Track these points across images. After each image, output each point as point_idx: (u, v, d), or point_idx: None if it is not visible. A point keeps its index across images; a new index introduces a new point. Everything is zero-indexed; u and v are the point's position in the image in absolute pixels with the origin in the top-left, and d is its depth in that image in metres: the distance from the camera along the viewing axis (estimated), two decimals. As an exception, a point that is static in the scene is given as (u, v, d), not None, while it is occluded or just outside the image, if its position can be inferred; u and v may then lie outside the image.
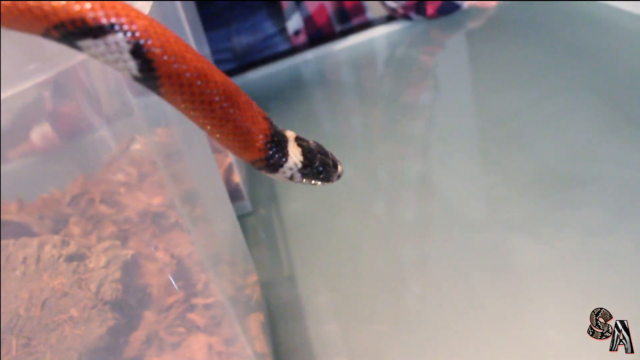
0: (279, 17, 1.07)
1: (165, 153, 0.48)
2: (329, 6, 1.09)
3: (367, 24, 1.12)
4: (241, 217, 0.69)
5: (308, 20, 1.07)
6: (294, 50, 1.08)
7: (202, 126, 0.23)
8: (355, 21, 1.13)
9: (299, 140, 0.27)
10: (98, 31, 0.19)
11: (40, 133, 0.59)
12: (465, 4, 1.02)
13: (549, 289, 0.49)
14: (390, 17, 1.10)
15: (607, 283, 0.47)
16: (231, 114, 0.22)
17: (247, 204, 0.71)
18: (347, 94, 0.98)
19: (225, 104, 0.21)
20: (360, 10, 1.12)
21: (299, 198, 0.71)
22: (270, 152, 0.25)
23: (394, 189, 0.69)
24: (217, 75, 0.21)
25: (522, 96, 0.76)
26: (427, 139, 0.79)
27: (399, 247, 0.59)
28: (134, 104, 0.40)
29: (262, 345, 0.48)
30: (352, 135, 0.85)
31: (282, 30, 1.08)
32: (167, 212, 0.53)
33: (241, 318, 0.48)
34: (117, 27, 0.19)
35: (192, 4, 0.80)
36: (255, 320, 0.50)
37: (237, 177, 0.71)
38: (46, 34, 0.19)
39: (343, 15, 1.12)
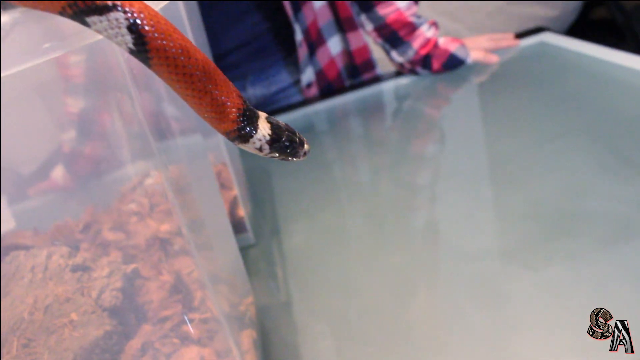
0: (295, 70, 1.13)
1: (176, 186, 0.52)
2: (340, 61, 1.15)
3: (377, 79, 1.17)
4: (243, 249, 0.72)
5: (319, 74, 1.13)
6: (305, 102, 1.13)
7: (184, 97, 0.26)
8: (365, 76, 1.18)
9: (269, 118, 0.31)
10: (103, 9, 0.24)
11: (60, 172, 0.64)
12: (470, 59, 1.07)
13: (540, 315, 0.50)
14: (398, 73, 1.15)
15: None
16: (209, 87, 0.26)
17: (250, 236, 0.73)
18: (356, 143, 1.02)
19: (204, 78, 0.26)
20: (370, 66, 1.18)
21: (301, 232, 0.74)
22: (242, 124, 0.29)
23: (397, 228, 0.71)
24: (199, 54, 0.26)
25: (520, 141, 0.79)
26: (432, 182, 0.82)
27: (393, 276, 0.61)
28: (154, 147, 0.44)
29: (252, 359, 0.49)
30: (360, 180, 0.88)
31: (296, 82, 1.14)
32: (173, 239, 0.55)
33: (234, 333, 0.50)
34: (118, 7, 0.24)
35: (210, 56, 0.86)
36: (248, 337, 0.51)
37: (242, 211, 0.74)
38: (62, 11, 0.23)
39: (353, 71, 1.18)
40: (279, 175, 0.90)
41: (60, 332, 0.45)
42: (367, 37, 1.15)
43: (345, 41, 1.14)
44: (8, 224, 0.59)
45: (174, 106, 0.53)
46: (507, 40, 1.12)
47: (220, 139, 0.71)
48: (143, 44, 0.24)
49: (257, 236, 0.74)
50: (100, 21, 0.24)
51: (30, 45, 0.23)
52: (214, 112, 0.27)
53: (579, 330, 0.45)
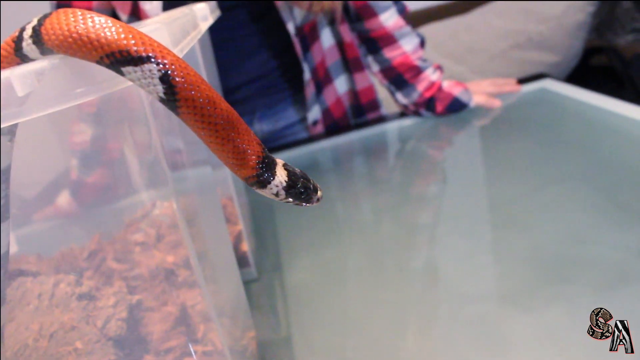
0: (301, 107, 1.15)
1: (184, 218, 0.53)
2: (346, 100, 1.17)
3: (381, 119, 1.20)
4: (246, 283, 0.72)
5: (326, 112, 1.16)
6: (311, 139, 1.16)
7: (208, 144, 0.28)
8: (370, 116, 1.21)
9: (286, 166, 0.33)
10: (138, 60, 0.25)
11: (66, 198, 0.65)
12: (473, 103, 1.10)
13: (538, 359, 0.50)
14: (402, 114, 1.18)
15: (594, 355, 0.48)
16: (232, 135, 0.28)
17: (253, 271, 0.74)
18: (359, 182, 1.04)
19: (227, 127, 0.27)
20: (375, 106, 1.20)
21: (304, 269, 0.74)
22: (261, 171, 0.31)
23: (398, 268, 0.72)
24: (224, 104, 0.27)
25: (520, 186, 0.81)
26: (433, 223, 0.83)
27: (393, 315, 0.61)
28: (169, 176, 0.46)
29: (253, 394, 0.50)
30: (362, 219, 0.89)
31: (303, 119, 1.16)
32: (177, 270, 0.56)
33: (235, 366, 0.50)
34: (152, 59, 0.26)
35: (220, 91, 0.88)
36: (249, 371, 0.52)
37: (246, 246, 0.75)
38: (99, 61, 0.25)
39: (358, 110, 1.20)
40: (282, 211, 0.91)
41: (64, 360, 0.46)
42: (372, 78, 1.18)
43: (352, 81, 1.17)
44: (10, 248, 0.60)
45: (185, 138, 0.54)
46: (509, 85, 1.15)
47: (228, 173, 0.73)
48: (173, 94, 0.26)
49: (259, 271, 0.75)
50: (135, 71, 0.26)
51: (64, 89, 0.25)
52: (235, 159, 0.29)
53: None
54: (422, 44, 1.11)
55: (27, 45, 0.26)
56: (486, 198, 0.83)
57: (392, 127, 1.16)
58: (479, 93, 1.11)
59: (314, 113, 1.14)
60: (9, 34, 0.29)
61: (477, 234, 0.73)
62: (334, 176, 1.07)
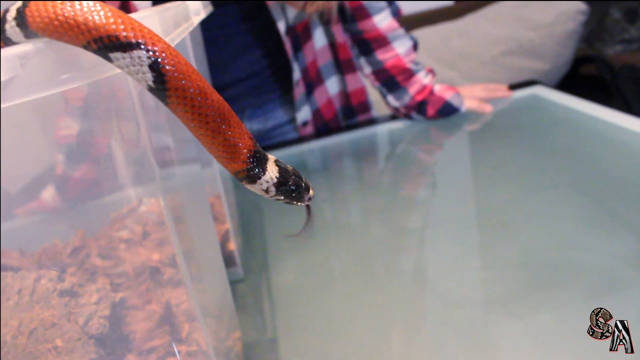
0: (291, 107, 1.14)
1: (172, 215, 0.52)
2: (337, 102, 1.17)
3: (372, 121, 1.19)
4: (233, 283, 0.71)
5: (316, 113, 1.15)
6: (301, 139, 1.15)
7: (197, 136, 0.27)
8: (361, 118, 1.20)
9: (278, 162, 0.32)
10: (127, 46, 0.24)
11: (51, 193, 0.64)
12: (464, 108, 1.10)
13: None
14: (393, 117, 1.17)
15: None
16: (222, 128, 0.27)
17: (239, 270, 0.73)
18: (348, 184, 1.03)
19: (218, 119, 0.26)
20: (366, 108, 1.20)
21: (290, 270, 0.74)
22: (251, 165, 0.30)
23: (385, 272, 0.71)
24: (215, 95, 0.26)
25: (510, 191, 0.81)
26: (422, 227, 0.83)
27: (378, 318, 0.61)
28: (157, 173, 0.45)
29: (237, 396, 0.49)
30: (350, 221, 0.88)
31: (293, 119, 1.16)
32: (163, 268, 0.55)
33: (220, 367, 0.49)
34: (141, 45, 0.25)
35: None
36: (233, 372, 0.51)
37: (233, 245, 0.74)
38: (86, 45, 0.24)
39: (349, 112, 1.20)
40: (270, 211, 0.90)
41: (43, 358, 0.44)
42: (364, 80, 1.18)
43: (343, 82, 1.16)
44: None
45: (174, 134, 0.53)
46: (501, 90, 1.15)
47: (216, 171, 0.72)
48: (163, 82, 0.25)
49: (245, 271, 0.74)
50: (123, 57, 0.25)
51: (49, 75, 0.24)
52: (226, 152, 0.28)
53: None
54: (415, 47, 1.11)
55: (11, 28, 0.24)
56: (475, 203, 0.83)
57: (382, 130, 1.16)
58: (470, 98, 1.11)
59: (304, 113, 1.13)
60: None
61: (466, 239, 0.73)
62: (323, 178, 1.06)
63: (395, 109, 1.14)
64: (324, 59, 1.12)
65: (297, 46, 1.06)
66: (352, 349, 0.57)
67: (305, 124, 1.14)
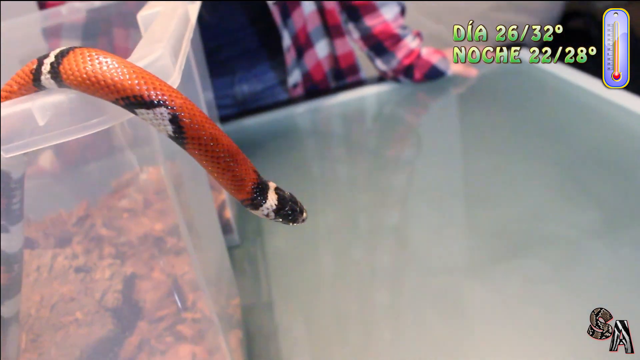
0: (281, 70, 1.17)
1: (172, 184, 0.55)
2: (326, 64, 1.19)
3: (360, 83, 1.22)
4: (229, 249, 0.76)
5: (306, 75, 1.17)
6: (290, 101, 1.18)
7: (210, 173, 0.32)
8: (349, 79, 1.23)
9: (277, 190, 0.37)
10: (150, 105, 0.29)
11: (48, 158, 0.66)
12: (450, 72, 1.13)
13: (494, 328, 0.56)
14: (381, 79, 1.20)
15: (547, 327, 0.54)
16: (231, 166, 0.32)
17: (235, 237, 0.78)
18: (336, 145, 1.08)
19: (228, 159, 0.32)
20: (354, 70, 1.22)
21: (283, 236, 0.79)
22: (255, 195, 0.35)
23: (370, 234, 0.77)
24: (225, 139, 0.32)
25: (489, 159, 0.86)
26: (406, 191, 0.88)
27: (368, 286, 0.66)
28: (157, 137, 0.48)
29: (239, 358, 0.55)
30: (338, 183, 0.93)
31: (283, 81, 1.18)
32: (166, 237, 0.59)
33: (224, 332, 0.55)
34: (163, 103, 0.29)
35: (201, 52, 0.89)
36: (235, 336, 0.56)
37: (229, 213, 0.78)
38: (115, 101, 0.29)
39: (338, 74, 1.22)
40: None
41: (66, 329, 0.50)
42: (353, 44, 1.20)
43: (332, 46, 1.18)
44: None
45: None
46: (487, 53, 1.18)
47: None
48: (181, 133, 0.30)
49: (241, 237, 0.79)
50: (147, 113, 0.29)
51: (80, 120, 0.27)
52: (234, 185, 0.33)
53: (529, 343, 0.52)
54: (403, 12, 1.12)
55: (46, 79, 0.28)
56: (457, 170, 0.88)
57: (370, 92, 1.19)
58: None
59: (294, 77, 1.15)
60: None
61: (444, 207, 0.78)
62: (312, 139, 1.10)
63: (384, 73, 1.17)
64: (313, 24, 1.14)
65: (286, 13, 1.07)
66: (339, 309, 0.63)
67: (295, 86, 1.17)
